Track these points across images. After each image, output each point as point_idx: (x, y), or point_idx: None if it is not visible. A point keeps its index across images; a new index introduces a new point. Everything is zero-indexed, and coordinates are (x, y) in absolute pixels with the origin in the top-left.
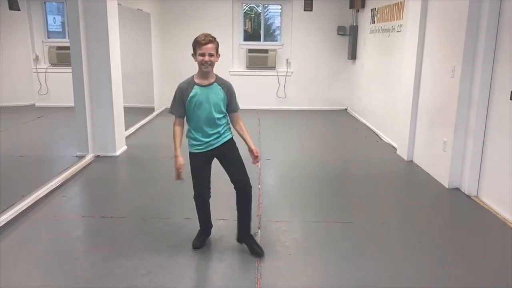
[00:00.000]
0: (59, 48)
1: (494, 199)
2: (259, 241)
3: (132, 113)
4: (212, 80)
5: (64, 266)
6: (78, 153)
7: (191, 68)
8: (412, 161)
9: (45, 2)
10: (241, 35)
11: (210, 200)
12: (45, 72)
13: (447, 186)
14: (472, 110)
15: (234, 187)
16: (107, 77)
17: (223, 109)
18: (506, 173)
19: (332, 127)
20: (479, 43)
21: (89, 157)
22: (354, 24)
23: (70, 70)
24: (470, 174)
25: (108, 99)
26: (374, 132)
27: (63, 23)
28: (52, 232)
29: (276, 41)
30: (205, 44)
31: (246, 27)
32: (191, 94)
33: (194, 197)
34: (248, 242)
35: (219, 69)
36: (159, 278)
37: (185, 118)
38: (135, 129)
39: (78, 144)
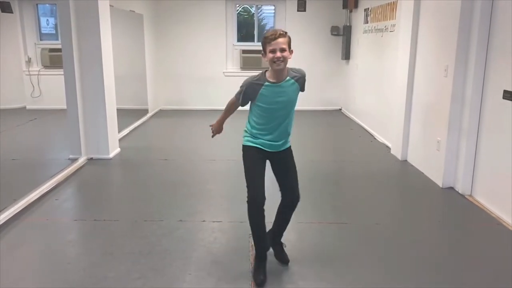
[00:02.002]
0: (51, 50)
1: (488, 198)
2: (253, 243)
3: (125, 115)
4: (285, 77)
5: (56, 270)
6: (70, 156)
7: (185, 69)
8: (406, 160)
9: (37, 4)
10: (234, 36)
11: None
12: (38, 75)
13: (441, 186)
14: (465, 110)
15: (282, 195)
16: (100, 79)
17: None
18: (500, 172)
19: (326, 127)
20: (472, 43)
21: (82, 160)
22: (348, 24)
23: (63, 72)
24: (464, 173)
25: (100, 101)
26: (368, 132)
27: (56, 25)
28: (44, 236)
29: None
30: (275, 38)
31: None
32: (260, 91)
33: (247, 199)
34: (276, 248)
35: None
36: (152, 282)
37: (252, 117)
38: (128, 131)
39: (70, 147)
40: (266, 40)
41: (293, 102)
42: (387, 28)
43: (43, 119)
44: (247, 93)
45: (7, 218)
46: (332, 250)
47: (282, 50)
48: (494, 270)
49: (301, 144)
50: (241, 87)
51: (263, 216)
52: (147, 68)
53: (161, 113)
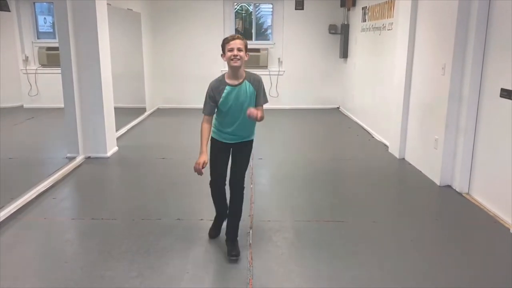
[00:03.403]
0: (49, 48)
1: (485, 196)
2: (250, 241)
3: (123, 114)
4: (242, 79)
5: (54, 269)
6: (68, 155)
7: (183, 67)
8: (404, 159)
9: (34, 3)
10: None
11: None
12: (35, 73)
13: (438, 184)
14: (462, 108)
15: (229, 183)
16: (97, 78)
17: (254, 105)
18: (497, 170)
19: (324, 125)
20: (469, 41)
21: (79, 159)
22: (346, 23)
23: (60, 71)
24: (462, 171)
25: (98, 99)
26: (366, 131)
27: (53, 24)
28: (41, 235)
29: (268, 40)
30: (233, 39)
31: (237, 26)
32: (223, 94)
33: (209, 183)
34: (228, 244)
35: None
36: (150, 280)
37: (214, 114)
38: (126, 130)
39: (68, 146)
40: (226, 41)
41: (246, 103)
42: (385, 26)
43: (40, 117)
44: (212, 96)
45: (4, 217)
46: (330, 248)
47: (239, 49)
48: (491, 268)
49: (299, 142)
50: (205, 98)
51: (223, 194)
52: (145, 67)
53: (159, 112)
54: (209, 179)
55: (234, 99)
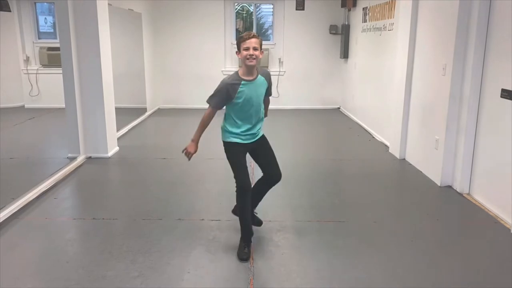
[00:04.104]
0: (50, 49)
1: (486, 197)
2: (251, 241)
3: (124, 114)
4: (256, 74)
5: (55, 269)
6: (69, 155)
7: (184, 67)
8: (404, 159)
9: (35, 3)
10: (233, 35)
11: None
12: (36, 73)
13: (439, 184)
14: (463, 108)
15: (266, 177)
16: (98, 78)
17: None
18: (497, 171)
19: (325, 126)
20: (470, 41)
21: (80, 159)
22: (346, 23)
23: (61, 71)
24: (462, 171)
25: (99, 99)
26: (367, 131)
27: (54, 24)
28: (43, 235)
29: (269, 40)
30: (249, 38)
31: (238, 26)
32: (239, 90)
33: (236, 188)
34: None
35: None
36: (151, 280)
37: (224, 112)
38: (127, 130)
39: (69, 146)
40: (241, 39)
41: (263, 95)
42: (386, 27)
43: (41, 117)
44: (226, 93)
45: (5, 217)
46: (331, 248)
47: (255, 49)
48: (492, 268)
49: (299, 142)
50: (216, 91)
51: (250, 201)
52: (146, 67)
53: (159, 112)
54: (210, 180)
55: (252, 92)
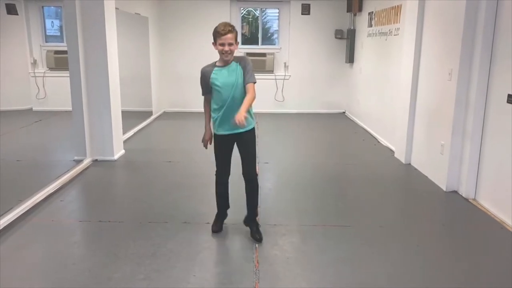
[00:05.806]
0: (57, 52)
1: (492, 202)
2: (256, 245)
3: (130, 117)
4: (230, 62)
5: (61, 271)
6: (76, 157)
7: (189, 71)
8: (410, 164)
9: (43, 6)
10: (239, 39)
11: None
12: (43, 76)
13: (445, 189)
14: (469, 113)
15: (243, 176)
16: (105, 81)
17: (243, 83)
18: (503, 176)
19: (330, 130)
20: (476, 46)
21: (86, 161)
22: (352, 28)
23: (68, 74)
24: (468, 177)
25: (106, 103)
26: (372, 135)
27: (61, 27)
28: (49, 237)
29: (274, 44)
30: (225, 34)
31: (244, 31)
32: (211, 75)
33: (215, 176)
34: (251, 226)
35: None
36: (157, 283)
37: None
38: (133, 133)
39: (76, 148)
40: (218, 34)
41: (238, 80)
42: (391, 31)
43: (48, 120)
44: (204, 79)
45: (13, 219)
46: (336, 253)
47: (230, 44)
48: (497, 274)
49: (304, 147)
50: (200, 79)
51: (225, 188)
52: (152, 71)
53: (165, 115)
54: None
55: (225, 77)
